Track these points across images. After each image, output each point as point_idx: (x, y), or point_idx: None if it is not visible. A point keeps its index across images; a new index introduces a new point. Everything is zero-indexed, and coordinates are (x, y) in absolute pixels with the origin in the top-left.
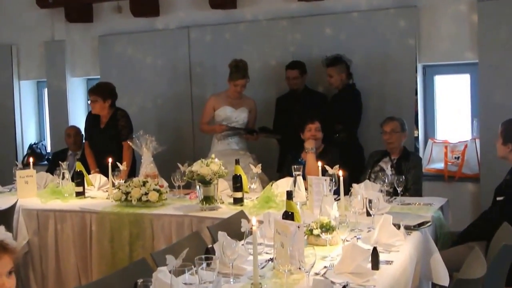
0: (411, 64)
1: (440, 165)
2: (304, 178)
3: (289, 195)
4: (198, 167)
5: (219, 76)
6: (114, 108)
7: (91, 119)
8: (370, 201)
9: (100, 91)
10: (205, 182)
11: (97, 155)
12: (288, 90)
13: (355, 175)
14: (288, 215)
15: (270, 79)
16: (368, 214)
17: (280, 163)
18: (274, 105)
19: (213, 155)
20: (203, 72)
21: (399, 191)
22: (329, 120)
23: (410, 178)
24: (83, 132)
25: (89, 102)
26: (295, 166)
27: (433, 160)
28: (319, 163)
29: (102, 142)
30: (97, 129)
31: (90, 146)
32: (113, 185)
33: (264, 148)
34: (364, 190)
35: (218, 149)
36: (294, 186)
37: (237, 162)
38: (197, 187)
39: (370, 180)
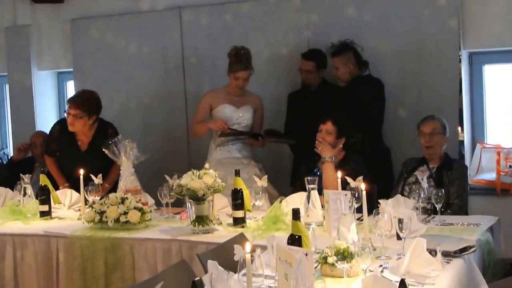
0: (454, 51)
1: (491, 176)
2: (321, 193)
3: (296, 214)
4: (188, 180)
5: (218, 68)
6: (97, 122)
7: (65, 135)
8: (400, 221)
9: (87, 106)
10: (197, 198)
11: (70, 178)
12: (301, 85)
13: (385, 189)
14: (295, 240)
15: (280, 71)
16: (399, 237)
17: (294, 174)
18: (286, 103)
19: (206, 165)
20: (199, 64)
21: (438, 208)
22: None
23: (453, 191)
24: None
25: (65, 114)
26: (308, 178)
27: (482, 170)
28: (339, 174)
29: (85, 169)
30: (76, 152)
31: (59, 167)
32: (86, 202)
33: (274, 156)
34: (393, 207)
35: (217, 158)
36: (308, 202)
37: (237, 173)
38: (188, 204)
39: (403, 195)
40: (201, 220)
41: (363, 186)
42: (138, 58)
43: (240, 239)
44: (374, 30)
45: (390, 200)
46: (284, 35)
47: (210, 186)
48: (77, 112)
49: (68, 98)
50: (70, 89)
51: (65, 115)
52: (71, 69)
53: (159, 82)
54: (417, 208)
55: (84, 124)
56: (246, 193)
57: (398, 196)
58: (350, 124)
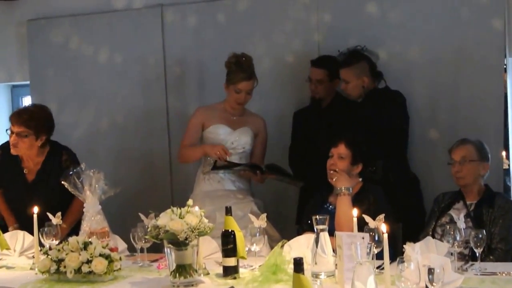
0: (498, 58)
1: None
2: (332, 234)
3: (298, 265)
4: (167, 220)
5: (208, 80)
6: (47, 146)
7: (8, 161)
8: (430, 271)
9: (34, 122)
10: (178, 243)
11: (20, 216)
12: (310, 101)
13: (412, 229)
14: None
15: (284, 82)
16: None
17: (300, 211)
18: (290, 123)
19: (190, 201)
20: (185, 75)
21: (478, 254)
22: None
23: (496, 233)
24: None
25: (8, 133)
26: (318, 217)
27: None
28: (354, 212)
29: (31, 202)
30: (21, 182)
31: (6, 201)
32: (41, 248)
33: (275, 188)
34: (422, 253)
35: (205, 189)
36: (317, 246)
37: (228, 210)
38: (167, 250)
39: (435, 237)
40: (183, 269)
41: (384, 227)
42: (110, 67)
43: None
44: (399, 33)
45: (418, 243)
46: (290, 39)
47: (194, 227)
48: (21, 130)
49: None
50: None
51: (8, 134)
52: (28, 82)
53: (136, 97)
54: (451, 254)
55: (31, 146)
56: (239, 235)
57: (429, 238)
58: (369, 147)
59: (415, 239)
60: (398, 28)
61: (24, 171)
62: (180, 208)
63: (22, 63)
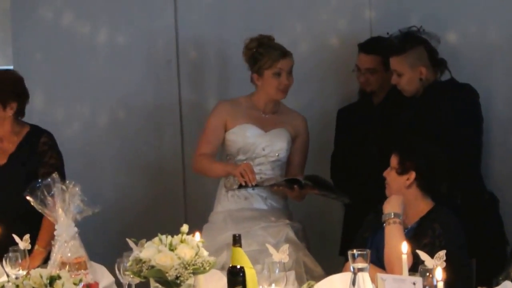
0: None
1: None
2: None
3: None
4: (153, 251)
5: (232, 66)
6: (27, 126)
7: None
8: None
9: None
10: (168, 283)
11: None
12: (358, 95)
13: (488, 265)
14: None
15: (327, 73)
16: None
17: (344, 238)
18: (334, 123)
19: (184, 227)
20: (202, 61)
21: None
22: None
23: None
24: None
25: None
26: (355, 252)
27: None
28: (404, 247)
29: (3, 192)
30: None
31: None
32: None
33: (319, 205)
34: None
35: (228, 208)
36: None
37: (236, 240)
38: None
39: None
40: None
41: (440, 272)
42: (110, 50)
43: None
44: (475, 9)
45: None
46: (333, 17)
47: (188, 263)
48: None
49: None
50: None
51: None
52: (11, 67)
53: (141, 87)
54: None
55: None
56: (250, 273)
57: (508, 284)
58: (436, 158)
59: (491, 280)
60: (472, 4)
61: None
62: (172, 236)
63: (5, 45)
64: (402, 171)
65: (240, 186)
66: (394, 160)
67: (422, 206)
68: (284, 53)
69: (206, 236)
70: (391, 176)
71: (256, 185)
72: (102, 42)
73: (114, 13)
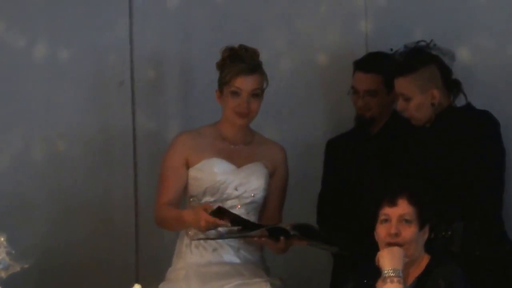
0: None
1: None
2: None
3: None
4: None
5: (197, 87)
6: None
7: None
8: None
9: None
10: None
11: None
12: (354, 123)
13: None
14: None
15: (315, 95)
16: None
17: None
18: (322, 156)
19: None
20: (162, 79)
21: None
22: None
23: None
24: None
25: None
26: None
27: None
28: None
29: None
30: None
31: None
32: None
33: (302, 255)
34: None
35: (191, 261)
36: None
37: None
38: None
39: None
40: None
41: None
42: (50, 67)
43: None
44: (492, 21)
45: None
46: (323, 28)
47: None
48: None
49: None
50: None
51: None
52: None
53: (87, 113)
54: None
55: None
56: None
57: None
58: (441, 201)
59: None
60: (490, 14)
61: None
62: None
63: None
64: (421, 226)
65: (208, 237)
66: (406, 208)
67: (419, 259)
68: (250, 70)
69: None
70: (412, 231)
71: (233, 236)
72: (39, 58)
73: (55, 24)
